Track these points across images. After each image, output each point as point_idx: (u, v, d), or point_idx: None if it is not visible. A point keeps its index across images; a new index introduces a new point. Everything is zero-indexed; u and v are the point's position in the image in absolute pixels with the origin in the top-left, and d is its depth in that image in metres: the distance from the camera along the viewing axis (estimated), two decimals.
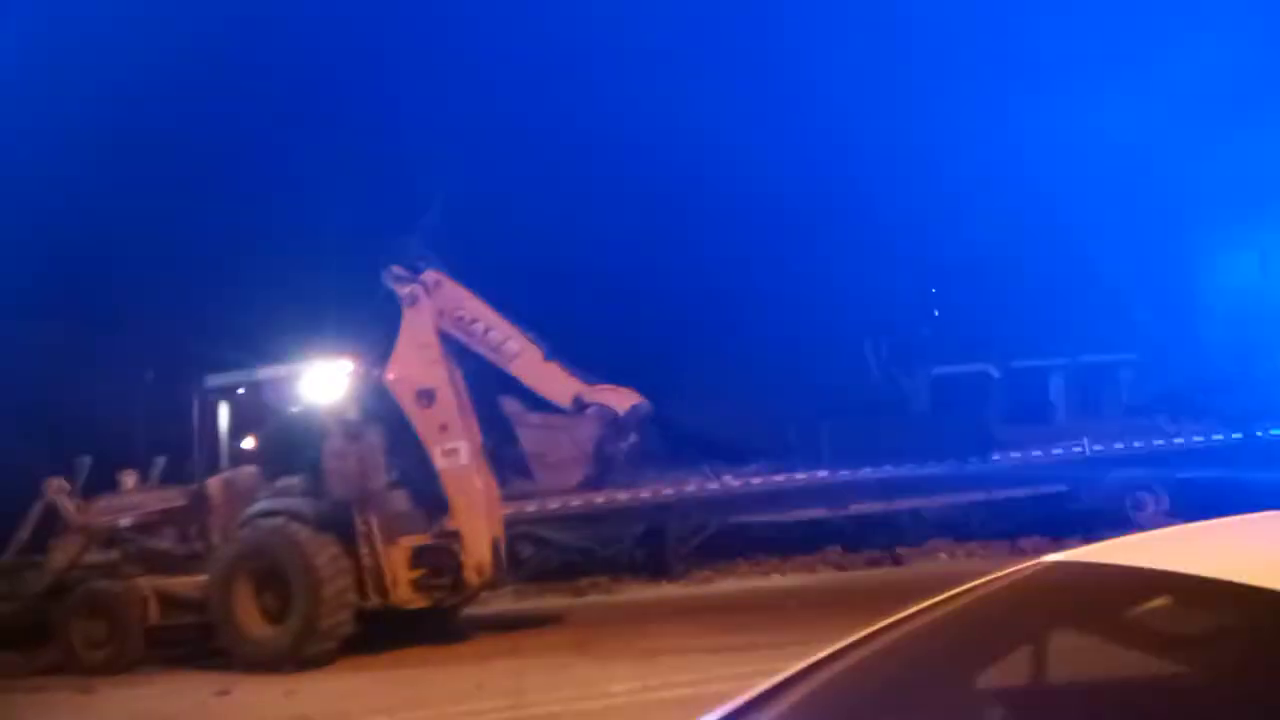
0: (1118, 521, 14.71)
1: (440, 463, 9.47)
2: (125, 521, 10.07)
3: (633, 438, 9.50)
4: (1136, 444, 15.33)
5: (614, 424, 9.33)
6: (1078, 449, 15.28)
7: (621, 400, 9.40)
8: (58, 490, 10.21)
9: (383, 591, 9.24)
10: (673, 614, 10.96)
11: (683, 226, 25.10)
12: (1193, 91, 25.32)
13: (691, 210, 25.21)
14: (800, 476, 14.60)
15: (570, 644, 9.37)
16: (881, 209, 25.94)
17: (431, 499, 9.75)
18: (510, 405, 9.72)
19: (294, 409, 10.07)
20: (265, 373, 10.14)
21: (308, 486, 9.63)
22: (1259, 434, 15.32)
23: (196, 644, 9.95)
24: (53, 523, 10.24)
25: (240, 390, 10.18)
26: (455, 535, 9.45)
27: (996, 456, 14.98)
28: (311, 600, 8.91)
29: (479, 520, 9.43)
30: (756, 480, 14.56)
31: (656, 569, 14.69)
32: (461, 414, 9.56)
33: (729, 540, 15.29)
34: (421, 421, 9.55)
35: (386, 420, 9.70)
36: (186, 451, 10.24)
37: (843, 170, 26.30)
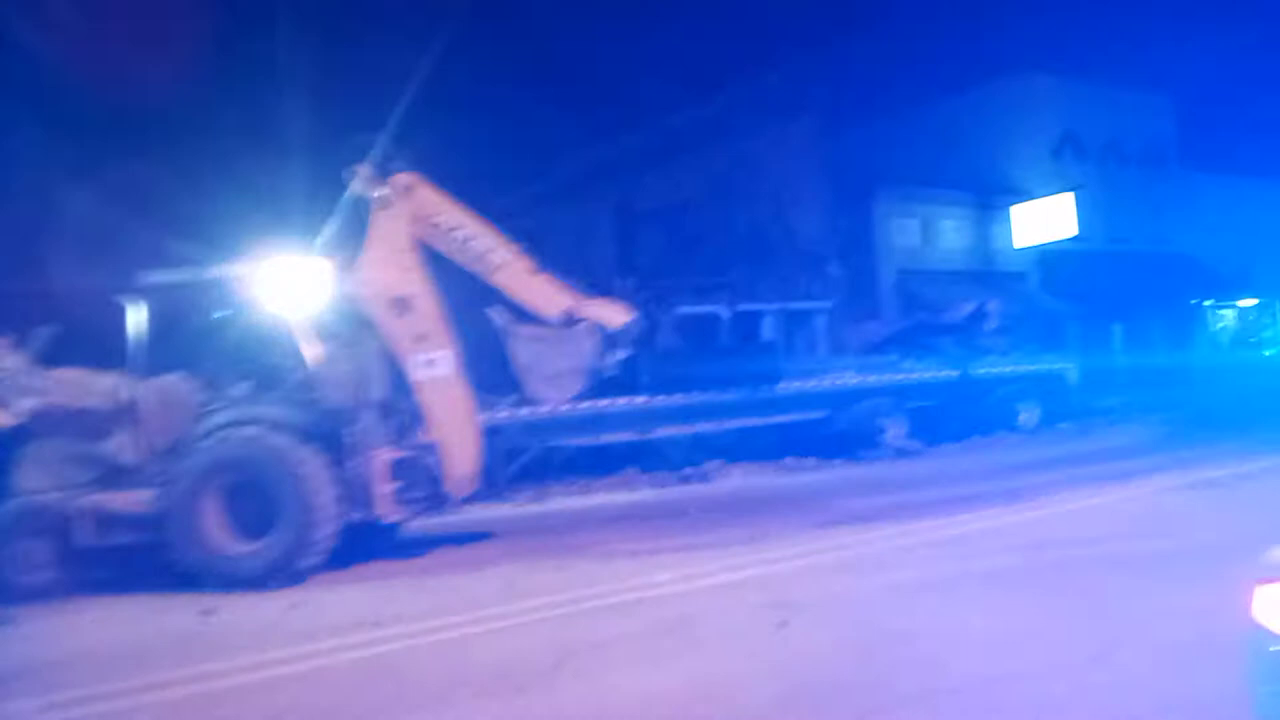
0: (867, 443, 17.27)
1: (419, 374, 9.10)
2: (24, 405, 8.76)
3: (623, 353, 9.50)
4: (884, 377, 17.92)
5: (608, 339, 9.32)
6: (840, 381, 17.54)
7: (614, 315, 9.39)
8: None
9: (366, 505, 8.87)
10: (572, 525, 11.42)
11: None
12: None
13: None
14: (621, 401, 15.48)
15: (544, 550, 9.60)
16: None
17: (396, 410, 9.40)
18: (500, 316, 9.37)
19: (250, 312, 9.13)
20: (214, 271, 9.06)
21: (285, 395, 8.98)
22: (970, 372, 18.52)
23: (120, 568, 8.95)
24: None
25: (181, 290, 9.01)
26: (431, 448, 9.18)
27: (782, 386, 16.83)
28: (303, 510, 8.42)
29: (465, 431, 9.22)
30: (584, 405, 15.19)
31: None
32: (440, 323, 9.22)
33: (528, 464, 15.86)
34: (396, 331, 9.12)
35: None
36: (104, 349, 9.08)
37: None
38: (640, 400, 15.68)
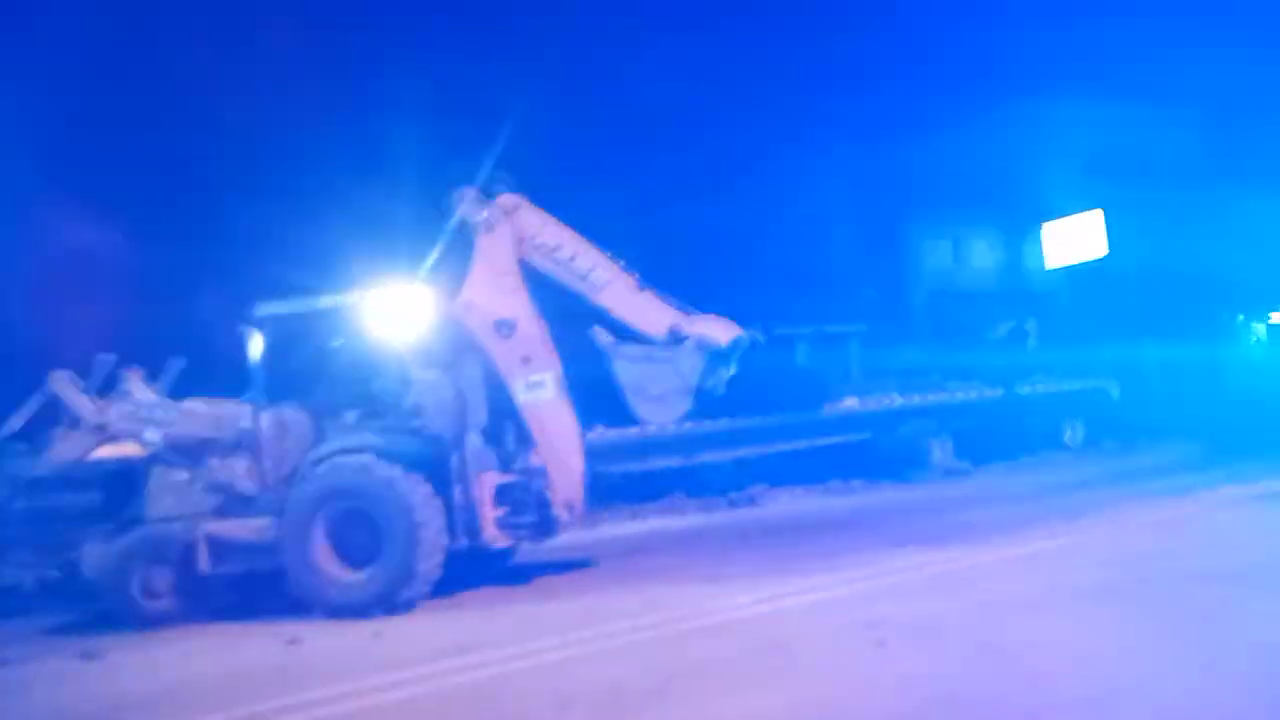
0: (914, 464, 17.20)
1: (524, 397, 8.97)
2: (153, 437, 9.24)
3: (732, 370, 8.91)
4: (929, 398, 17.87)
5: (716, 356, 8.75)
6: (884, 403, 17.51)
7: (722, 331, 8.85)
8: (62, 383, 9.57)
9: (472, 532, 8.80)
10: (633, 550, 11.41)
11: None
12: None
13: None
14: (670, 427, 15.43)
15: (613, 575, 9.62)
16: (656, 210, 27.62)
17: (501, 434, 9.34)
18: (602, 336, 8.93)
19: (360, 340, 9.29)
20: (326, 301, 9.23)
21: (391, 423, 9.05)
22: (1015, 391, 18.46)
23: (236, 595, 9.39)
24: (54, 416, 9.70)
25: (294, 320, 9.21)
26: (539, 472, 9.09)
27: (828, 408, 16.80)
28: (408, 543, 8.40)
29: (570, 456, 9.06)
30: (633, 431, 15.19)
31: None
32: (545, 345, 9.11)
33: None
34: (501, 353, 9.01)
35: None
36: (221, 381, 9.46)
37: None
38: (687, 425, 15.57)
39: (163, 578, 9.00)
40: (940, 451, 17.49)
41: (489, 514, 8.91)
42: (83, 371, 9.72)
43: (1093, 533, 9.67)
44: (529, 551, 10.35)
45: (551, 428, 9.05)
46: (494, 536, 8.98)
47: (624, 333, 9.00)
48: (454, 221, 9.25)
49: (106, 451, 10.01)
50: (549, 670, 6.43)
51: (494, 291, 9.08)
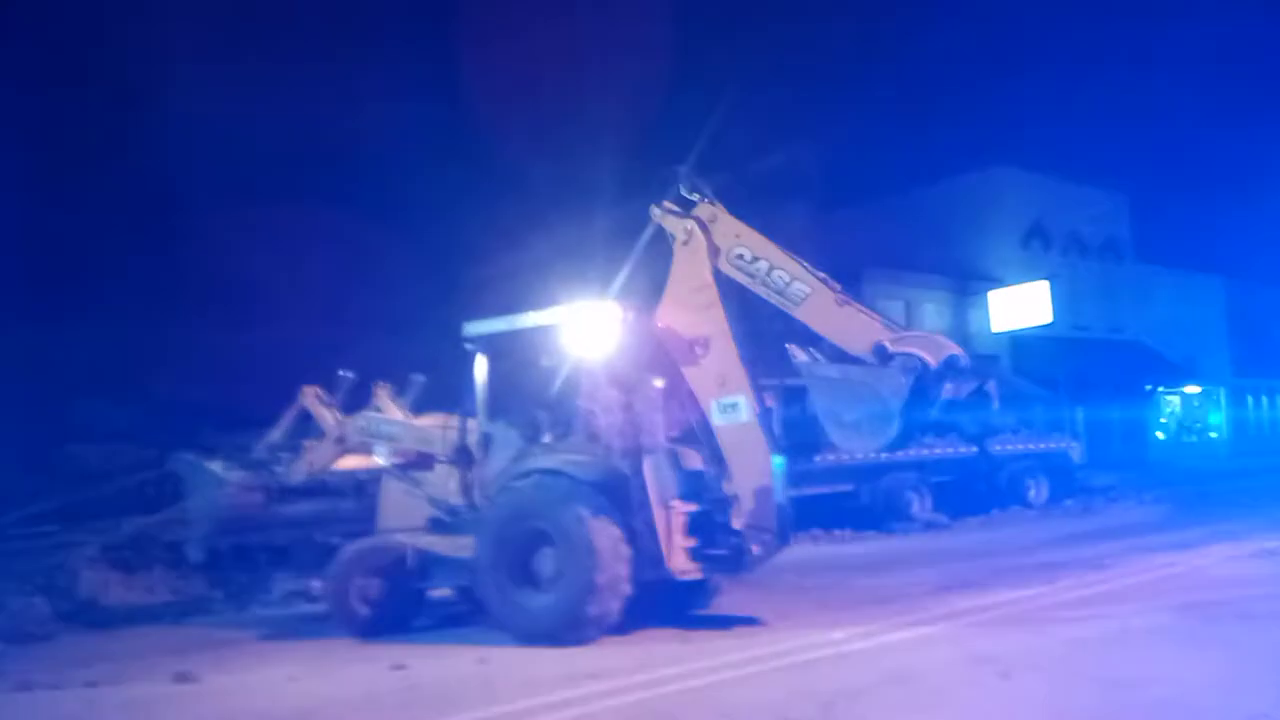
0: (896, 516, 17.83)
1: (717, 419, 8.48)
2: (382, 450, 9.78)
3: (950, 390, 8.00)
4: (910, 452, 18.50)
5: (926, 377, 7.82)
6: (869, 455, 18.07)
7: (933, 349, 7.94)
8: (312, 398, 10.46)
9: (656, 562, 8.35)
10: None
11: None
12: None
13: None
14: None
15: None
16: None
17: (697, 459, 8.93)
18: (798, 355, 8.27)
19: (555, 358, 9.26)
20: (523, 319, 9.20)
21: (582, 445, 8.83)
22: (987, 448, 19.32)
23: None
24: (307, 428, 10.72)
25: (500, 338, 9.27)
26: (733, 500, 8.55)
27: (818, 459, 17.30)
28: (585, 583, 8.11)
29: (764, 484, 8.40)
30: None
31: None
32: (739, 365, 8.56)
33: None
34: (695, 373, 8.57)
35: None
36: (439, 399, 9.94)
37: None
38: None
39: (378, 588, 9.19)
40: (919, 504, 18.17)
41: (678, 544, 8.50)
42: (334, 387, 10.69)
43: (1121, 581, 10.34)
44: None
45: (745, 454, 8.49)
46: (683, 568, 8.54)
47: (828, 351, 8.43)
48: (651, 234, 9.07)
49: (350, 463, 10.62)
50: (700, 695, 6.67)
51: (689, 307, 8.70)
